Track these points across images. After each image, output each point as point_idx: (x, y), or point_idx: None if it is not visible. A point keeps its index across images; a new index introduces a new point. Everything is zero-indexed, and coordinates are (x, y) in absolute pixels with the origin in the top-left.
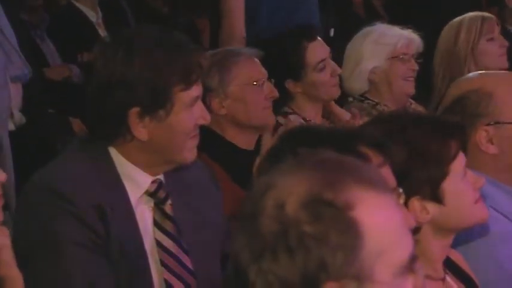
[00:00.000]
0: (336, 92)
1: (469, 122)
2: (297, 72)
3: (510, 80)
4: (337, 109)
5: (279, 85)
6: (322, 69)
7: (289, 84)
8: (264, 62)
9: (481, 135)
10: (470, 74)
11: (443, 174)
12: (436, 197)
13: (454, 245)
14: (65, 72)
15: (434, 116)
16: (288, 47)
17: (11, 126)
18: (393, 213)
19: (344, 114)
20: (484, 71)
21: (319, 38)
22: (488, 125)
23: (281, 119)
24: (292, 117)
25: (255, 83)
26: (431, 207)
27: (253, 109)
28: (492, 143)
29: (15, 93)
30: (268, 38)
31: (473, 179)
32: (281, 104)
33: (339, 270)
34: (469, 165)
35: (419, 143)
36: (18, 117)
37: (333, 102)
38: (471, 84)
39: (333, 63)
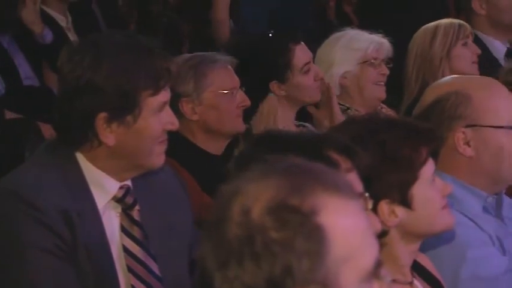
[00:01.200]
0: (318, 96)
1: (447, 123)
2: (283, 73)
3: (489, 84)
4: (337, 108)
5: (262, 87)
6: (306, 72)
7: (274, 86)
8: (248, 64)
9: (459, 137)
10: (448, 77)
11: (413, 179)
12: (405, 202)
13: (422, 251)
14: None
15: (407, 120)
16: (276, 48)
17: None
18: (359, 219)
19: (340, 117)
20: (462, 75)
21: (302, 42)
22: (466, 127)
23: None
24: None
25: (228, 91)
26: (400, 211)
27: (225, 117)
28: (469, 146)
29: None
30: (253, 39)
31: (441, 185)
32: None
33: (305, 276)
34: (444, 168)
35: (391, 147)
36: None
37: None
38: (450, 87)
39: (316, 67)
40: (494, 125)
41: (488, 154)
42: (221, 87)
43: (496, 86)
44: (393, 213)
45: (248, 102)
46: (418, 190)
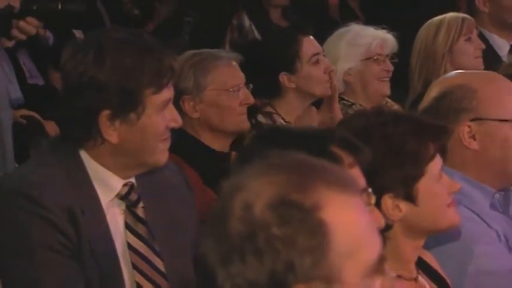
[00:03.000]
0: (329, 89)
1: (452, 117)
2: (292, 64)
3: (495, 78)
4: (337, 108)
5: (272, 79)
6: (315, 63)
7: (283, 78)
8: (257, 57)
9: (464, 130)
10: (454, 72)
11: (419, 175)
12: (409, 197)
13: (427, 246)
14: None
15: (416, 116)
16: (283, 39)
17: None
18: (361, 214)
19: (341, 116)
20: (468, 70)
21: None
22: (471, 120)
23: (262, 118)
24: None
25: (231, 89)
26: (404, 206)
27: (227, 115)
28: (474, 139)
29: None
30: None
31: (448, 182)
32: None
33: (307, 272)
34: (451, 163)
35: (397, 141)
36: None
37: (336, 100)
38: (455, 80)
39: (326, 60)
40: (500, 118)
41: (494, 147)
42: (222, 85)
43: (501, 80)
44: (397, 207)
45: (252, 100)
46: (424, 186)
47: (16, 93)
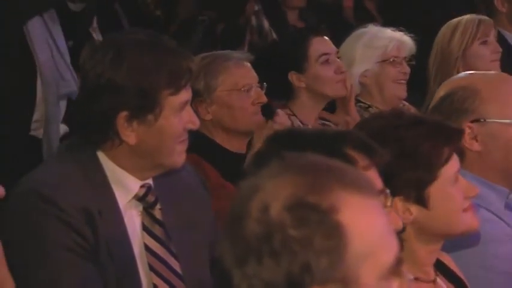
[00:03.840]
0: (342, 90)
1: (454, 118)
2: (300, 63)
3: (498, 79)
4: (354, 110)
5: (283, 80)
6: (324, 63)
7: (293, 77)
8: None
9: (466, 131)
10: (461, 73)
11: (431, 178)
12: (421, 200)
13: (446, 249)
14: None
15: (433, 119)
16: (293, 39)
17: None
18: (378, 216)
19: (357, 118)
20: (474, 71)
21: (326, 37)
22: (473, 121)
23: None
24: (280, 111)
25: (242, 88)
26: (415, 209)
27: (239, 115)
28: (477, 141)
29: (63, 108)
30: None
31: (465, 187)
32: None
33: (323, 274)
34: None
35: (409, 143)
36: (62, 129)
37: (352, 102)
38: (459, 82)
39: (338, 60)
40: (501, 119)
41: (497, 148)
42: (232, 86)
43: (505, 81)
44: (408, 210)
45: (264, 99)
46: (436, 190)
47: (67, 88)
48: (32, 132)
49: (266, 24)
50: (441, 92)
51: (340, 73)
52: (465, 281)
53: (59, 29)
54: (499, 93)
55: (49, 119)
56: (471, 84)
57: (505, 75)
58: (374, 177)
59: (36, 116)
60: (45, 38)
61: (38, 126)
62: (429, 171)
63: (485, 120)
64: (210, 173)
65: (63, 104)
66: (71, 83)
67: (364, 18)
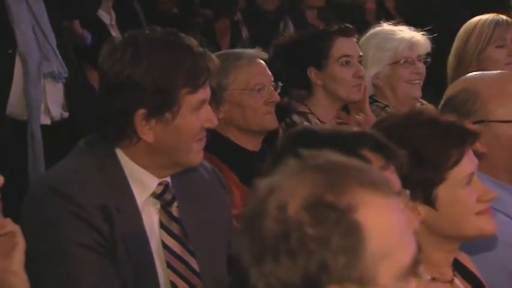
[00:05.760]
0: (356, 95)
1: None
2: (320, 59)
3: (497, 78)
4: (368, 110)
5: (300, 73)
6: (344, 65)
7: (311, 72)
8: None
9: None
10: (466, 75)
11: (439, 179)
12: (428, 201)
13: (466, 250)
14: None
15: (449, 120)
16: (318, 35)
17: (47, 121)
18: (396, 216)
19: (372, 118)
20: (478, 72)
21: (354, 39)
22: (475, 123)
23: (296, 118)
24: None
25: (254, 87)
26: (423, 209)
27: (251, 114)
28: (479, 142)
29: (52, 90)
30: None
31: (481, 190)
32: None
33: (341, 273)
34: None
35: (416, 143)
36: (57, 113)
37: (367, 103)
38: (460, 84)
39: (359, 65)
40: (503, 119)
41: (500, 148)
42: (245, 84)
43: (505, 80)
44: (416, 210)
45: (277, 98)
46: (445, 191)
47: (50, 68)
48: (14, 116)
49: (291, 27)
50: (445, 96)
51: (358, 77)
52: (482, 280)
53: (42, 7)
54: (500, 93)
55: (30, 101)
56: (471, 86)
57: (505, 73)
58: (392, 177)
59: (14, 94)
60: (26, 15)
61: (19, 109)
62: (436, 172)
63: (487, 121)
64: (227, 175)
65: (55, 87)
66: (54, 64)
67: (384, 18)
